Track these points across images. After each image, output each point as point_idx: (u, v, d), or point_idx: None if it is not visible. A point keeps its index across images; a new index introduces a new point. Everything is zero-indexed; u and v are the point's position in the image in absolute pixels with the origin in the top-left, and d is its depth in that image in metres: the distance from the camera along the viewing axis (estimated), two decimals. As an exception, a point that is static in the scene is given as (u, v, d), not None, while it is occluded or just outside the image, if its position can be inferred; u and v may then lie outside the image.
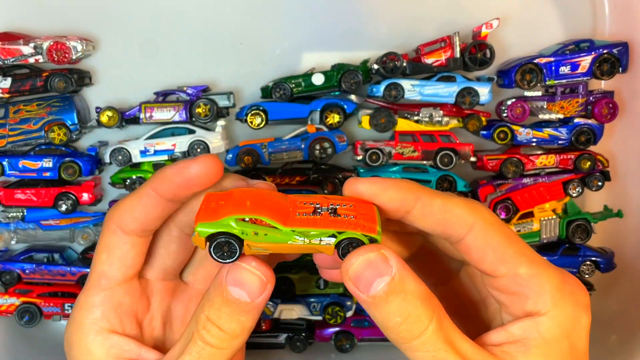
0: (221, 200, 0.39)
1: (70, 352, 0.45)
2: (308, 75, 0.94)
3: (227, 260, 0.39)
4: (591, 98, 0.96)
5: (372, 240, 0.38)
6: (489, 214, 0.40)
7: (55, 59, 0.89)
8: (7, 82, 0.91)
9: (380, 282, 0.37)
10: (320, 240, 0.38)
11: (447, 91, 0.94)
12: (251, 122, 0.94)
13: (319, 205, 0.39)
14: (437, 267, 0.48)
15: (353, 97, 0.95)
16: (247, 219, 0.38)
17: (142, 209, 0.43)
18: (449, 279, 0.48)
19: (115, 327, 0.44)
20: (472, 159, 0.97)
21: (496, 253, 0.39)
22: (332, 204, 0.39)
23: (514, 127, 0.96)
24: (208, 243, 0.39)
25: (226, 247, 0.39)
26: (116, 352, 0.44)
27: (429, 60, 0.93)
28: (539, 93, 0.96)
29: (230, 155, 0.94)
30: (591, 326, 0.41)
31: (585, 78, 0.94)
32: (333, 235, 0.38)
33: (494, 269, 0.39)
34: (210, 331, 0.39)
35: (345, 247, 0.38)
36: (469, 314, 0.46)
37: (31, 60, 0.90)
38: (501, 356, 0.39)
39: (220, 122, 0.95)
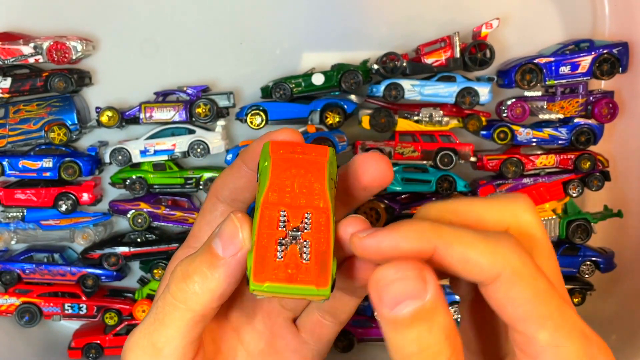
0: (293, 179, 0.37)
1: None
2: (308, 75, 0.94)
3: None
4: (591, 98, 0.96)
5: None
6: (520, 263, 0.34)
7: (55, 59, 0.89)
8: (7, 82, 0.91)
9: (409, 304, 0.32)
10: None
11: (447, 91, 0.94)
12: (251, 122, 0.94)
13: (307, 220, 0.35)
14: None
15: (353, 97, 0.95)
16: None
17: (231, 178, 0.44)
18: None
19: None
20: (472, 159, 0.97)
21: (517, 310, 0.34)
22: (307, 222, 0.35)
23: (514, 127, 0.96)
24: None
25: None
26: None
27: (429, 60, 0.93)
28: (539, 93, 0.96)
29: (230, 155, 0.94)
30: (591, 326, 0.40)
31: (585, 78, 0.94)
32: None
33: (513, 323, 0.35)
34: (174, 273, 0.38)
35: None
36: (493, 336, 0.43)
37: (31, 60, 0.90)
38: None
39: (220, 122, 0.95)
